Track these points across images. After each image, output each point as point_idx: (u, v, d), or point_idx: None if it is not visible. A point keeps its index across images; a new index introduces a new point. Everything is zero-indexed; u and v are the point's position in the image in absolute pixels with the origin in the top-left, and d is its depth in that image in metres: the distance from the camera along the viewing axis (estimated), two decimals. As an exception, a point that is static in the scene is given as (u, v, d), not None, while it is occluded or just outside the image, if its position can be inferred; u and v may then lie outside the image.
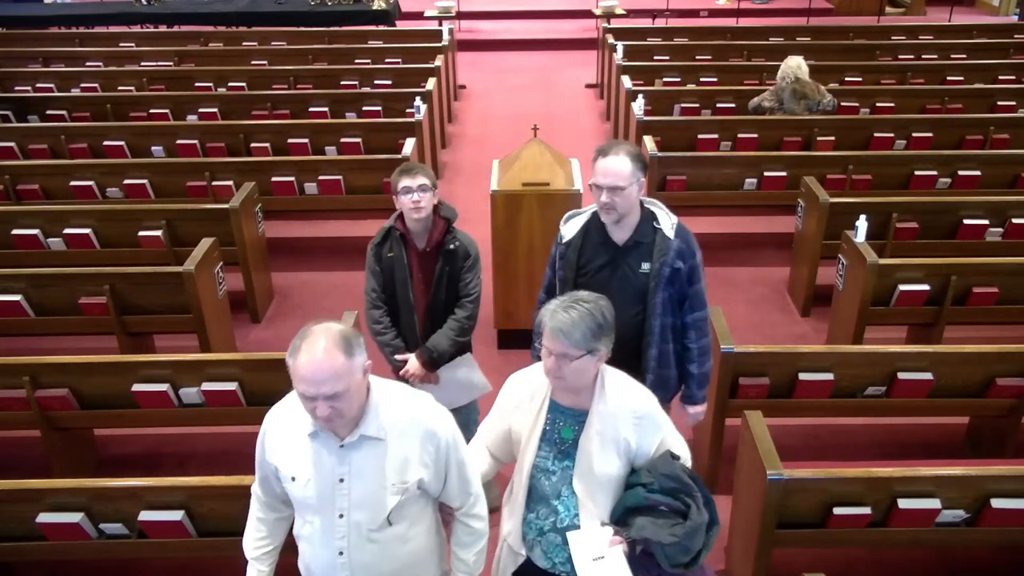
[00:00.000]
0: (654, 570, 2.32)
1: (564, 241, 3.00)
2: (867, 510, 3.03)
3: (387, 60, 8.70)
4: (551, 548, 2.38)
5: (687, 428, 3.28)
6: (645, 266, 2.89)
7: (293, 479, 2.15)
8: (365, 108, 7.30)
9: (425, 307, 3.35)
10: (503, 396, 2.48)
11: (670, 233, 2.90)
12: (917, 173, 5.82)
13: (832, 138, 6.39)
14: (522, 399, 2.41)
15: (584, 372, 2.25)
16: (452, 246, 3.31)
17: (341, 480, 2.11)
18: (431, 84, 7.50)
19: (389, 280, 3.34)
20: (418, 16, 11.45)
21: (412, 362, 3.34)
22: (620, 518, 2.34)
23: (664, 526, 2.27)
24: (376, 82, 8.02)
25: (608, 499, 2.35)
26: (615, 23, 10.16)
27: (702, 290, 3.01)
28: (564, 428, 2.35)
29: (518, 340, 4.99)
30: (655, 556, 2.29)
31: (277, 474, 2.20)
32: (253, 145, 6.50)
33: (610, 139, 8.35)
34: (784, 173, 5.88)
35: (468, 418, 3.55)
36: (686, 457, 2.43)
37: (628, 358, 2.84)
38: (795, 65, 6.20)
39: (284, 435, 2.18)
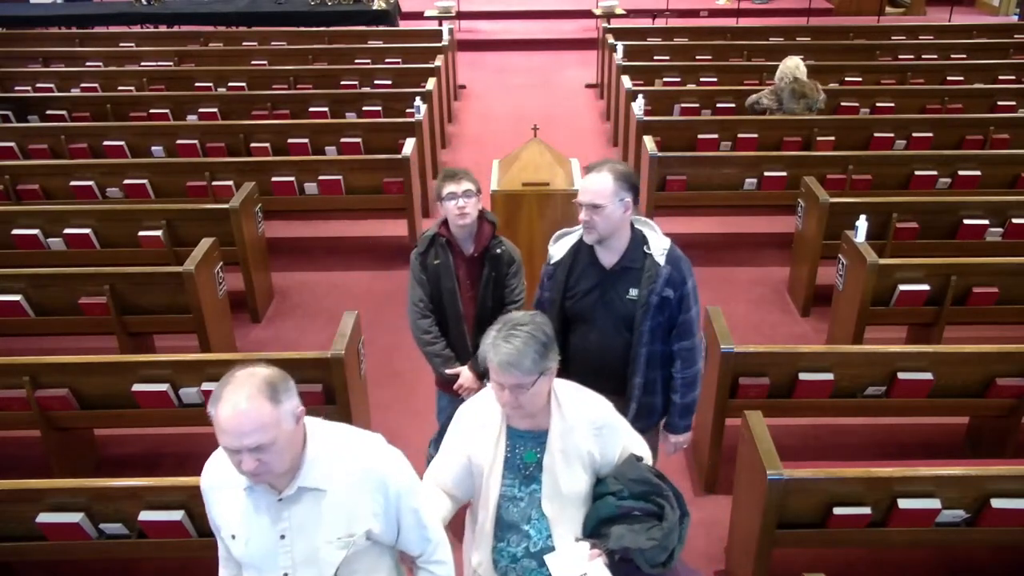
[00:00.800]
0: (634, 575, 2.29)
1: (553, 261, 2.89)
2: (867, 510, 3.03)
3: (387, 60, 8.70)
4: (527, 574, 2.31)
5: (669, 456, 3.22)
6: (633, 292, 2.77)
7: (233, 537, 1.98)
8: (365, 108, 7.30)
9: (474, 314, 3.25)
10: (455, 432, 2.36)
11: (660, 259, 2.76)
12: (917, 173, 5.82)
13: (832, 138, 6.39)
14: (475, 431, 2.31)
15: (540, 395, 2.19)
16: (498, 251, 3.24)
17: (282, 536, 1.95)
18: (431, 84, 7.50)
19: (435, 288, 3.24)
20: (418, 16, 11.45)
21: (466, 374, 3.26)
22: (594, 530, 2.29)
23: (641, 531, 2.25)
24: (376, 82, 8.02)
25: (579, 514, 2.30)
26: (615, 23, 10.16)
27: (692, 319, 2.86)
28: (526, 453, 2.27)
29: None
30: (634, 560, 2.26)
31: (219, 532, 2.04)
32: (253, 145, 6.50)
33: (609, 140, 8.40)
34: (784, 173, 5.88)
35: None
36: (647, 456, 2.40)
37: (613, 385, 2.79)
38: (793, 66, 6.26)
39: (220, 491, 2.00)
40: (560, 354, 2.70)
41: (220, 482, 1.99)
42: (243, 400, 1.79)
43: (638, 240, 2.79)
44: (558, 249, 2.90)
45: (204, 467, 2.03)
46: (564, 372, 2.54)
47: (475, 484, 2.34)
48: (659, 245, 2.79)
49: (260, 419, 1.79)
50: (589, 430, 2.27)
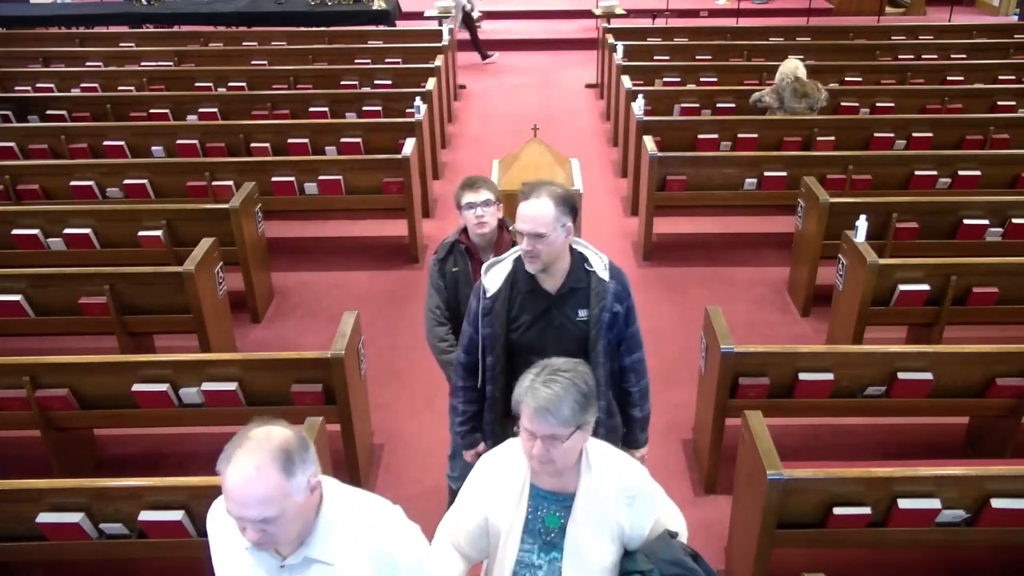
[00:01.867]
0: None
1: (489, 294, 2.67)
2: (867, 510, 3.04)
3: (387, 60, 8.70)
4: None
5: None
6: (583, 313, 2.64)
7: None
8: (365, 108, 7.30)
9: None
10: (474, 484, 2.16)
11: (604, 275, 2.65)
12: (917, 173, 5.82)
13: (832, 138, 6.39)
14: (496, 485, 2.11)
15: (574, 450, 1.98)
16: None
17: None
18: (431, 84, 7.50)
19: (453, 296, 3.21)
20: (418, 16, 11.45)
21: None
22: None
23: None
24: (376, 82, 8.02)
25: None
26: (615, 23, 10.15)
27: (638, 330, 2.79)
28: (548, 516, 2.07)
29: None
30: None
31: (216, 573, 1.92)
32: (253, 145, 6.50)
33: (609, 140, 8.40)
34: (784, 173, 5.88)
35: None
36: (683, 531, 2.20)
37: None
38: (792, 68, 6.35)
39: (222, 542, 1.87)
40: (506, 395, 2.54)
41: (222, 533, 1.87)
42: (252, 469, 1.64)
43: (578, 260, 2.66)
44: (492, 281, 2.69)
45: (213, 504, 1.92)
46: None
47: (491, 545, 2.15)
48: (599, 262, 2.67)
49: (267, 493, 1.64)
50: (621, 498, 2.06)
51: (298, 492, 1.68)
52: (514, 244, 3.11)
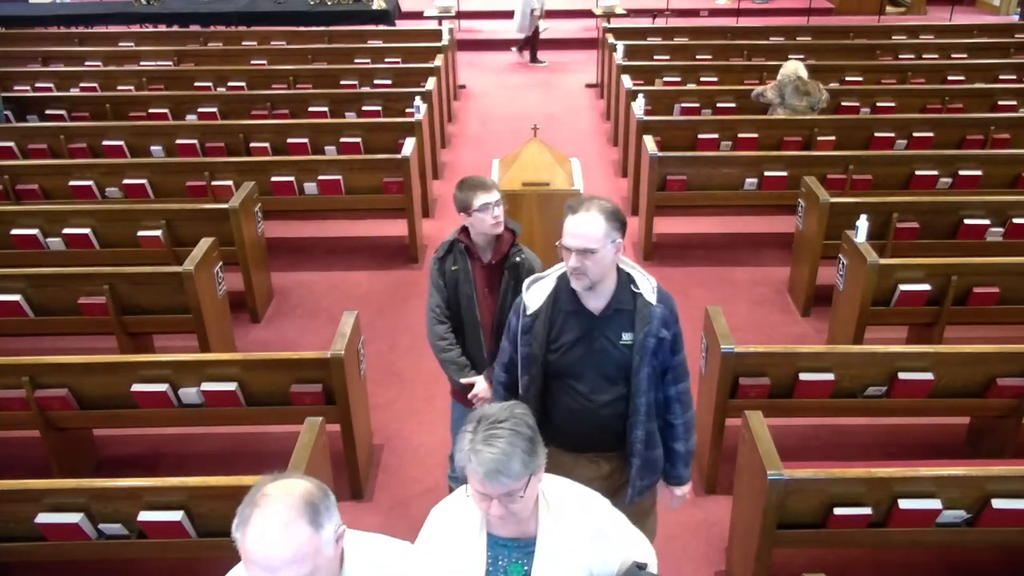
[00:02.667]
0: None
1: (529, 312, 2.55)
2: (867, 510, 3.03)
3: (387, 60, 8.70)
4: None
5: (673, 510, 2.97)
6: (627, 337, 2.50)
7: None
8: (365, 108, 7.30)
9: (492, 323, 3.19)
10: (428, 542, 1.99)
11: (652, 298, 2.51)
12: (918, 173, 5.82)
13: (832, 138, 6.39)
14: (452, 541, 1.96)
15: (532, 496, 1.87)
16: (518, 259, 3.17)
17: None
18: (431, 84, 7.49)
19: (453, 295, 3.20)
20: (418, 16, 11.45)
21: (481, 384, 3.20)
22: None
23: None
24: (376, 82, 8.02)
25: None
26: (615, 23, 10.15)
27: (685, 359, 2.64)
28: (511, 565, 1.94)
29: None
30: None
31: None
32: (253, 145, 6.49)
33: (609, 140, 8.39)
34: (784, 173, 5.88)
35: None
36: (652, 560, 2.09)
37: (609, 442, 2.61)
38: (792, 70, 6.39)
39: None
40: (545, 416, 2.55)
41: None
42: (278, 527, 1.49)
43: (624, 280, 2.53)
44: (534, 298, 2.57)
45: None
46: (553, 435, 2.37)
47: None
48: (647, 284, 2.54)
49: (299, 551, 1.49)
50: (586, 538, 1.94)
51: (328, 546, 1.56)
52: (514, 244, 3.17)
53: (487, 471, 1.76)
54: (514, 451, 1.77)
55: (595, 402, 2.54)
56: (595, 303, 2.51)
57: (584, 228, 2.39)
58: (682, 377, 2.64)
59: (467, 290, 3.16)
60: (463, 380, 3.22)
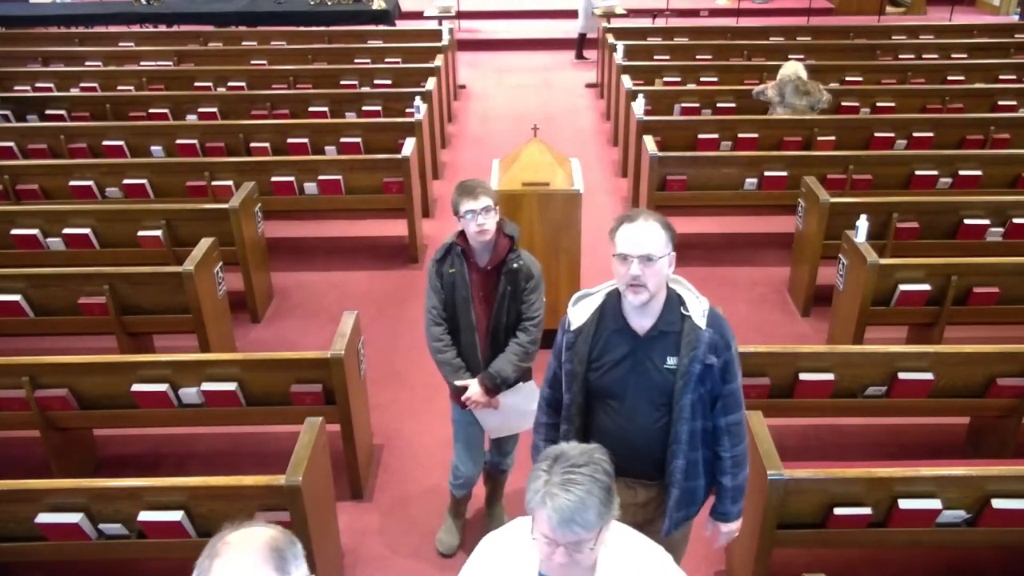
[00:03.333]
0: None
1: (573, 328, 2.48)
2: (867, 510, 3.03)
3: (387, 60, 8.70)
4: None
5: (719, 548, 2.85)
6: (671, 361, 2.38)
7: None
8: (365, 108, 7.30)
9: (487, 327, 3.19)
10: (473, 573, 1.92)
11: (701, 321, 2.38)
12: (918, 173, 5.82)
13: (832, 138, 6.39)
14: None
15: (599, 548, 1.77)
16: (515, 265, 3.13)
17: None
18: (431, 84, 7.50)
19: (450, 298, 3.19)
20: (418, 16, 11.45)
21: (474, 387, 3.18)
22: None
23: None
24: (376, 82, 8.02)
25: None
26: (615, 23, 10.15)
27: (738, 388, 2.48)
28: None
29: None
30: None
31: None
32: (253, 145, 6.49)
33: (609, 140, 8.39)
34: (784, 173, 5.88)
35: (511, 446, 3.54)
36: None
37: (648, 469, 2.50)
38: (793, 69, 6.42)
39: None
40: (583, 437, 2.43)
41: None
42: (241, 573, 1.38)
43: (673, 300, 2.41)
44: (579, 314, 2.48)
45: None
46: None
47: None
48: (698, 306, 2.41)
49: None
50: None
51: None
52: (512, 250, 3.12)
53: (561, 519, 1.66)
54: (591, 499, 1.68)
55: (635, 426, 2.44)
56: (641, 322, 2.40)
57: (645, 234, 2.28)
58: (733, 408, 2.48)
59: (463, 293, 3.15)
60: (457, 382, 3.21)
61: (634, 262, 2.27)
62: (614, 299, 2.45)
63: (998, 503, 3.02)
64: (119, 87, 8.10)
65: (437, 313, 3.22)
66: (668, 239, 2.31)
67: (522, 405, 3.29)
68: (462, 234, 3.16)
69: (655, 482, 2.52)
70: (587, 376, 2.46)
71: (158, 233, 5.15)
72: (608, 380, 2.44)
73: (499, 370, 3.16)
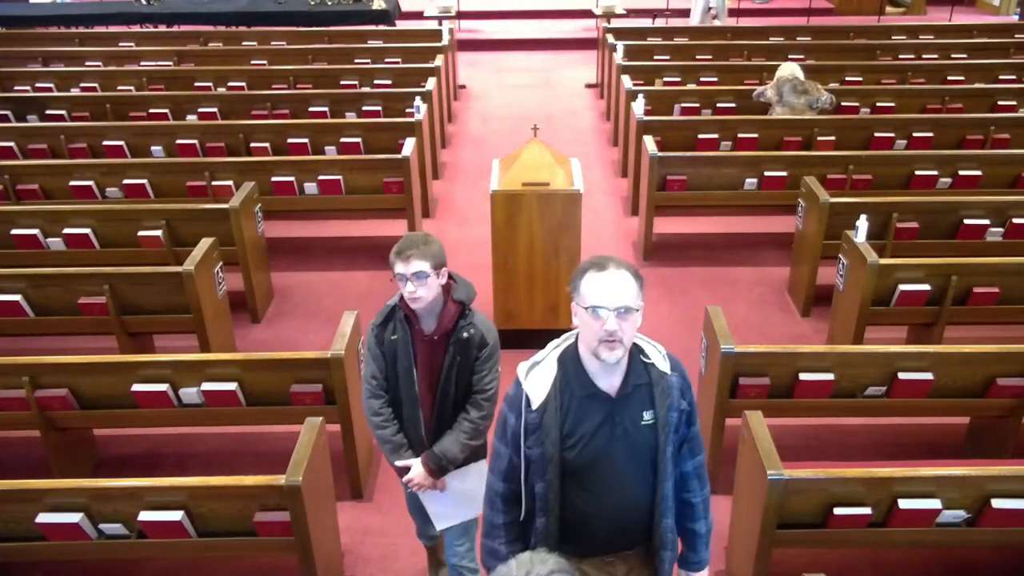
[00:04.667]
0: None
1: (535, 407, 2.15)
2: (867, 510, 3.03)
3: (387, 60, 8.70)
4: None
5: None
6: (647, 416, 2.18)
7: None
8: (365, 108, 7.30)
9: (432, 402, 2.85)
10: None
11: (665, 367, 2.20)
12: (917, 173, 5.82)
13: (832, 138, 6.39)
14: None
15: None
16: (466, 334, 2.78)
17: None
18: (431, 84, 7.50)
19: (391, 367, 2.84)
20: (418, 16, 11.45)
21: (417, 468, 2.86)
22: None
23: None
24: (376, 82, 8.02)
25: None
26: (615, 23, 10.15)
27: (699, 430, 2.36)
28: None
29: (518, 340, 4.98)
30: None
31: None
32: (253, 145, 6.49)
33: (609, 140, 8.39)
34: (784, 173, 5.88)
35: (469, 528, 3.09)
36: None
37: (632, 540, 2.29)
38: (790, 71, 6.44)
39: None
40: (559, 523, 2.22)
41: None
42: None
43: (634, 350, 2.20)
44: (537, 388, 2.17)
45: None
46: (561, 542, 2.19)
47: None
48: (656, 351, 2.23)
49: None
50: None
51: None
52: (462, 316, 2.78)
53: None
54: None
55: (621, 496, 2.20)
56: (611, 381, 2.16)
57: (620, 285, 2.06)
58: (699, 449, 2.34)
59: (406, 364, 2.80)
60: (398, 463, 2.89)
61: (610, 316, 2.03)
62: (571, 362, 2.18)
63: (998, 503, 3.02)
64: (119, 87, 8.09)
65: (376, 384, 2.87)
66: (640, 288, 2.11)
67: (472, 489, 2.94)
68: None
69: (634, 551, 2.32)
70: (562, 456, 2.16)
71: (158, 233, 5.15)
72: (587, 455, 2.16)
73: (445, 450, 2.83)
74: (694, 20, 11.27)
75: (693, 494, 2.35)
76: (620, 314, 2.04)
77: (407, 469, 2.88)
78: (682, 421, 2.24)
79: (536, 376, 2.19)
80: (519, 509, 2.27)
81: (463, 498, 2.97)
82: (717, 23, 11.13)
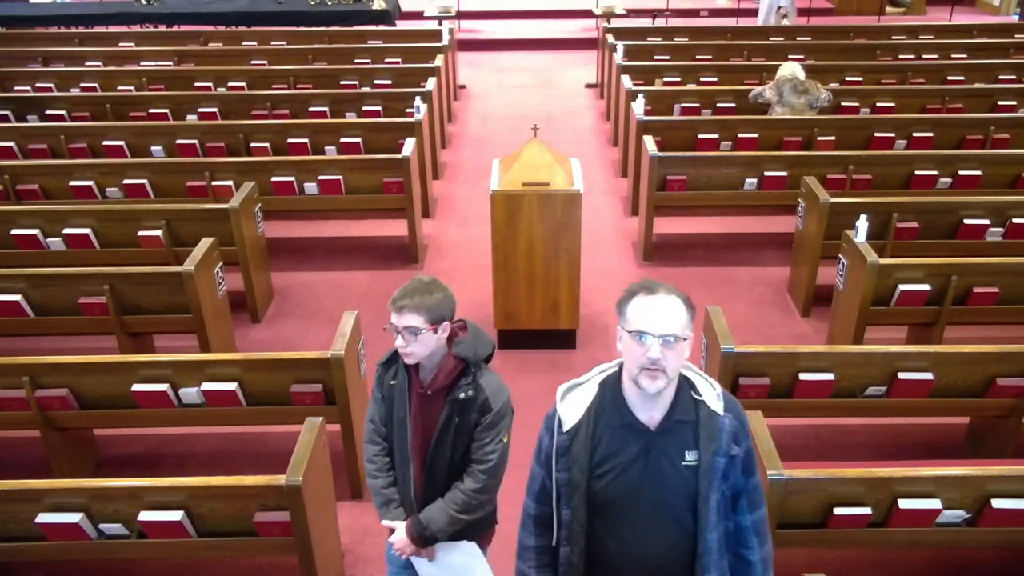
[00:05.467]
0: None
1: (566, 429, 2.05)
2: (867, 510, 3.03)
3: (387, 60, 8.70)
4: None
5: None
6: (690, 457, 2.02)
7: None
8: (365, 108, 7.30)
9: (423, 461, 2.58)
10: None
11: (717, 406, 2.04)
12: (917, 173, 5.82)
13: (832, 138, 6.39)
14: None
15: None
16: (463, 395, 2.50)
17: None
18: (431, 84, 7.50)
19: (389, 413, 2.63)
20: (418, 16, 11.46)
21: (400, 532, 2.60)
22: None
23: None
24: (376, 82, 8.02)
25: None
26: (615, 23, 10.16)
27: (759, 481, 2.15)
28: None
29: (518, 340, 4.99)
30: None
31: None
32: (253, 145, 6.49)
33: (609, 140, 8.38)
34: (784, 173, 5.88)
35: None
36: None
37: None
38: (791, 70, 6.44)
39: None
40: (586, 560, 2.09)
41: None
42: None
43: (683, 385, 2.06)
44: (571, 411, 2.06)
45: None
46: None
47: None
48: (710, 389, 2.07)
49: None
50: None
51: None
52: (463, 375, 2.52)
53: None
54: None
55: (653, 540, 2.05)
56: (651, 414, 2.02)
57: (668, 311, 1.94)
58: (758, 503, 2.14)
59: (400, 415, 2.57)
60: (384, 521, 2.65)
61: (654, 343, 1.91)
62: (611, 388, 2.06)
63: (998, 503, 3.02)
64: (119, 87, 8.10)
65: (374, 429, 2.67)
66: (690, 318, 1.97)
67: (462, 568, 2.68)
68: None
69: None
70: (589, 485, 2.04)
71: (158, 233, 5.15)
72: (617, 488, 2.03)
73: (431, 520, 2.55)
74: (761, 19, 11.20)
75: (751, 551, 2.13)
76: (665, 342, 1.92)
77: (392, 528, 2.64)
78: (735, 469, 2.05)
79: (573, 398, 2.09)
80: (551, 534, 2.15)
81: (449, 572, 2.69)
82: (786, 23, 11.06)
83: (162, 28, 10.92)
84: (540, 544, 2.18)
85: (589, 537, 2.08)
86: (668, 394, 2.02)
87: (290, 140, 6.47)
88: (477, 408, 2.51)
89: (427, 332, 2.42)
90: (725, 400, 2.06)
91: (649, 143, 6.05)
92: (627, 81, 7.53)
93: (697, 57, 8.54)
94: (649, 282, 2.01)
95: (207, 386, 3.72)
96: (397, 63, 8.58)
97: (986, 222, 5.15)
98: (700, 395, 2.05)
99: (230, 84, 8.03)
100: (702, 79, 8.02)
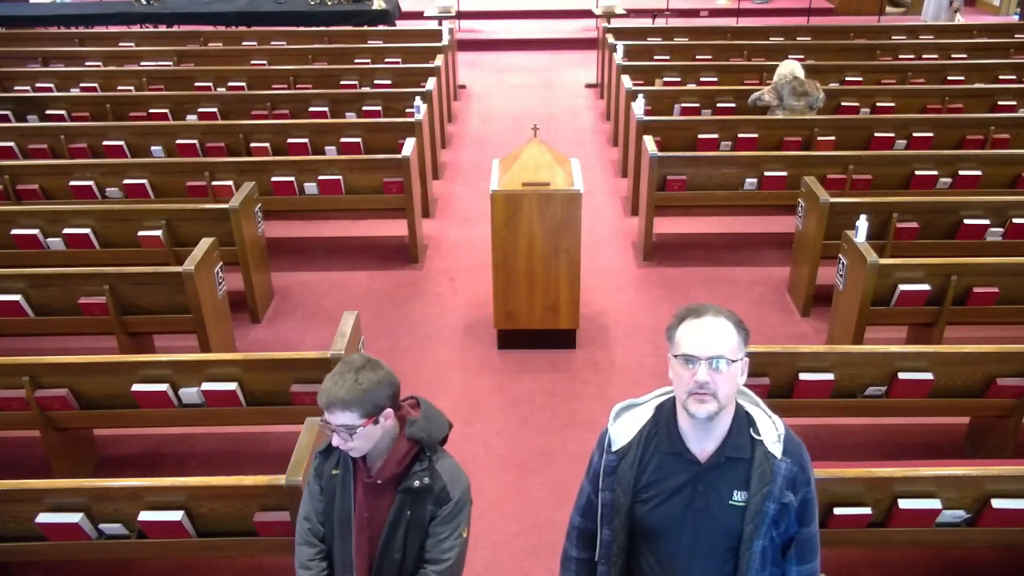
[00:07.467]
0: None
1: (615, 449, 2.01)
2: (867, 510, 3.03)
3: (387, 60, 8.71)
4: None
5: None
6: (739, 496, 1.93)
7: None
8: (365, 108, 7.30)
9: (368, 567, 2.25)
10: None
11: (776, 448, 1.94)
12: (917, 173, 5.82)
13: (832, 138, 6.39)
14: None
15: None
16: (418, 483, 2.19)
17: None
18: (431, 84, 7.50)
19: (329, 506, 2.28)
20: (418, 16, 11.47)
21: None
22: None
23: None
24: (376, 82, 8.02)
25: None
26: (615, 23, 10.16)
27: (817, 533, 2.03)
28: None
29: (518, 340, 4.99)
30: None
31: None
32: (253, 145, 6.50)
33: (609, 140, 8.38)
34: (784, 173, 5.88)
35: None
36: None
37: None
38: (790, 69, 6.43)
39: None
40: None
41: None
42: None
43: (742, 420, 1.97)
44: (622, 431, 2.02)
45: None
46: None
47: None
48: (772, 428, 1.97)
49: None
50: None
51: None
52: (418, 459, 2.23)
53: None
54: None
55: (690, 574, 1.99)
56: (703, 446, 1.95)
57: (716, 332, 1.88)
58: (810, 556, 2.03)
59: (343, 511, 2.24)
60: None
61: (702, 365, 1.84)
62: (667, 414, 2.00)
63: (998, 503, 3.02)
64: (119, 87, 8.10)
65: (309, 528, 2.32)
66: (742, 340, 1.91)
67: None
68: None
69: None
70: (632, 508, 2.00)
71: (158, 233, 5.15)
72: (659, 516, 1.98)
73: None
74: (928, 15, 11.11)
75: None
76: (713, 365, 1.85)
77: None
78: (787, 516, 1.95)
79: (627, 418, 2.05)
80: (594, 549, 2.10)
81: None
82: (959, 17, 11.00)
83: (162, 28, 10.93)
84: (582, 557, 2.17)
85: (628, 560, 2.05)
86: (722, 426, 1.94)
87: (290, 140, 6.47)
88: (433, 498, 2.21)
89: (366, 427, 2.14)
90: (786, 443, 1.96)
91: (649, 143, 6.05)
92: (627, 81, 7.53)
93: (697, 57, 8.55)
94: (697, 305, 1.96)
95: (207, 386, 3.72)
96: (397, 63, 8.59)
97: (986, 222, 5.15)
98: (759, 435, 1.96)
99: (230, 84, 8.03)
100: (702, 79, 8.02)
